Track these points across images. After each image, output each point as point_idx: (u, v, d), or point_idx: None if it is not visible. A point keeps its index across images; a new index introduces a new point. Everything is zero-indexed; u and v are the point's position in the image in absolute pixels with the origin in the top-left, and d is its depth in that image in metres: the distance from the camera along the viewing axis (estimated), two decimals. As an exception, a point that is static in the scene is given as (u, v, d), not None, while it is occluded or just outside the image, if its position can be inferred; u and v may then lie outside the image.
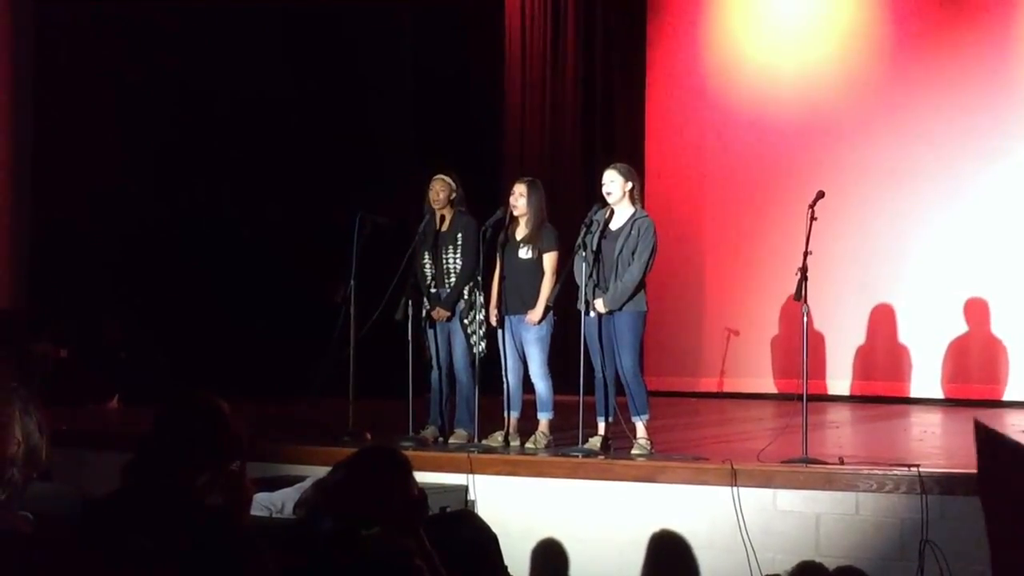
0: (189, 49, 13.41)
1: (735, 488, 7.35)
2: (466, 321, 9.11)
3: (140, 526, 3.42)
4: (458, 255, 9.15)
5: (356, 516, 4.20)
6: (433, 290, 9.23)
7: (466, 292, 9.13)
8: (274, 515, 6.77)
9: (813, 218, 7.95)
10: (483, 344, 9.04)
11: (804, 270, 7.87)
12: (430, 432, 9.23)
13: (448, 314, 9.14)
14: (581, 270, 8.50)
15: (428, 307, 9.22)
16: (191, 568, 3.36)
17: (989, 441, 5.37)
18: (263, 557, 3.48)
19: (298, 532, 4.38)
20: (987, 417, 11.69)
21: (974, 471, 7.41)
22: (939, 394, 13.32)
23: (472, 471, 8.13)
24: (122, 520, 3.46)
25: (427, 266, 9.25)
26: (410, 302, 9.14)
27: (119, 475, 3.64)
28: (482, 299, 9.06)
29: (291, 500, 6.92)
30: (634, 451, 8.37)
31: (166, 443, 3.63)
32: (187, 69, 13.37)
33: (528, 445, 8.85)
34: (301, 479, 7.51)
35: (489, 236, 8.98)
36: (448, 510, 7.45)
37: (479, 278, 9.05)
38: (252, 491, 3.77)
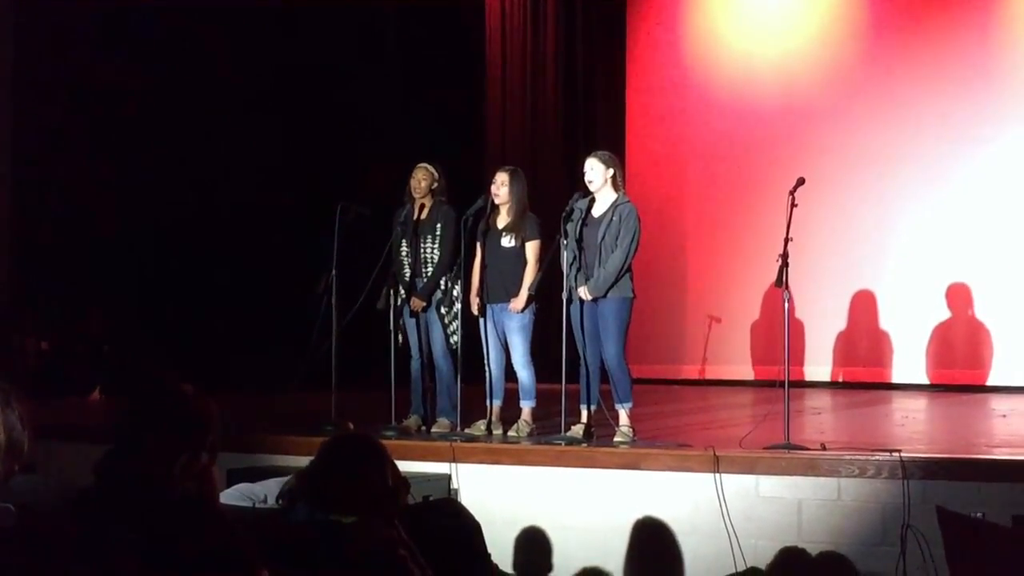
0: (173, 40, 13.36)
1: (717, 475, 7.37)
2: (443, 311, 9.11)
3: (120, 517, 3.41)
4: (436, 245, 9.13)
5: (330, 504, 4.20)
6: (411, 280, 9.22)
7: (443, 282, 9.13)
8: (256, 505, 6.77)
9: (794, 204, 7.96)
10: (458, 335, 9.04)
11: (785, 256, 7.87)
12: (413, 421, 9.23)
13: (424, 304, 9.14)
14: (564, 258, 8.51)
15: (404, 296, 9.22)
16: (172, 557, 3.36)
17: (950, 520, 5.48)
18: (244, 544, 3.48)
19: (276, 521, 4.38)
20: (971, 402, 11.84)
21: (956, 456, 7.49)
22: (922, 379, 13.38)
23: (455, 460, 8.13)
24: (103, 511, 3.46)
25: (405, 256, 9.24)
26: (391, 292, 9.14)
27: (94, 468, 3.64)
28: (458, 289, 9.06)
29: (274, 492, 6.92)
30: (617, 439, 8.38)
31: (137, 433, 3.63)
32: (170, 60, 13.32)
33: (511, 433, 8.86)
34: (283, 469, 7.51)
35: (470, 225, 8.98)
36: (431, 499, 7.45)
37: (458, 267, 9.05)
38: (218, 477, 3.78)
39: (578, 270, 8.53)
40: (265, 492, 6.94)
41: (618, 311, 8.51)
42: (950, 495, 6.87)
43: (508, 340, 9.02)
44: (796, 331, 12.68)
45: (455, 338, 9.05)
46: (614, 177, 8.62)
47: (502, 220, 9.04)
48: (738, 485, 7.38)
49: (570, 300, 8.50)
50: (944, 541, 5.99)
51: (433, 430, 9.10)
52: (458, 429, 8.89)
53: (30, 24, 13.04)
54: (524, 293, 8.85)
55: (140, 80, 13.18)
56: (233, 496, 6.69)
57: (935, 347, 13.39)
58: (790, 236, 7.89)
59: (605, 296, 8.47)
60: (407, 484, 4.72)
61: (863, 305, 13.72)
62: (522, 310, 8.89)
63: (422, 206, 9.23)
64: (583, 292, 8.47)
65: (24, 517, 3.57)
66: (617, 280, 8.45)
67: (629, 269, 8.52)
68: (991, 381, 13.10)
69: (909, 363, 13.50)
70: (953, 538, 5.84)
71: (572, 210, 8.58)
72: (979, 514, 6.58)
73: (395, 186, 9.72)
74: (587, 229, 8.55)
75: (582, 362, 8.61)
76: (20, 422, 3.51)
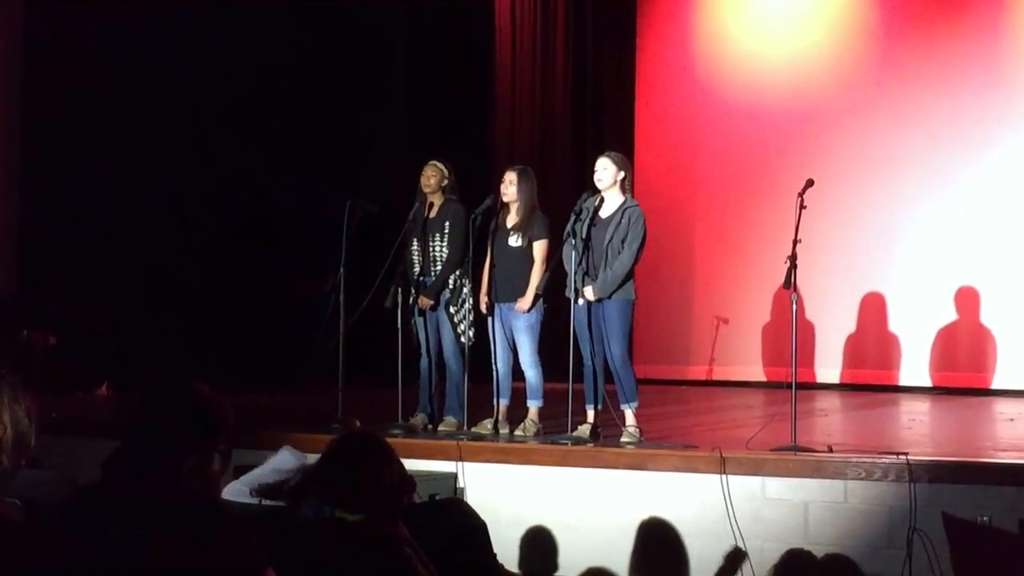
0: (179, 39, 13.36)
1: (724, 476, 7.36)
2: (452, 309, 9.10)
3: (126, 514, 3.41)
4: (445, 243, 9.13)
5: (336, 502, 4.20)
6: (420, 278, 9.22)
7: (452, 280, 9.12)
8: (252, 494, 6.78)
9: (802, 206, 7.95)
10: (471, 332, 9.04)
11: (793, 258, 7.87)
12: (419, 420, 9.23)
13: (432, 302, 9.13)
14: (571, 258, 8.51)
15: (415, 295, 9.22)
16: (177, 555, 3.36)
17: (957, 526, 5.49)
18: (249, 542, 3.48)
19: (282, 519, 4.38)
20: (977, 405, 11.82)
21: (963, 459, 7.48)
22: (928, 382, 13.36)
23: (461, 459, 8.12)
24: (108, 508, 3.46)
25: (415, 253, 9.25)
26: (399, 290, 9.13)
27: (103, 465, 3.63)
28: (469, 287, 9.06)
29: (264, 476, 6.93)
30: (623, 439, 8.38)
31: (150, 432, 3.62)
32: (177, 58, 13.33)
33: (517, 433, 8.86)
34: (290, 468, 7.51)
35: (479, 224, 8.97)
36: (437, 497, 7.45)
37: (467, 266, 9.04)
38: (221, 473, 3.77)
39: (584, 271, 8.52)
40: (252, 480, 6.96)
41: (621, 312, 8.51)
42: (957, 498, 6.86)
43: (515, 339, 9.02)
44: (804, 333, 12.68)
45: (466, 336, 9.04)
46: (624, 180, 8.61)
47: (511, 219, 9.04)
48: (744, 486, 7.37)
49: (576, 300, 8.49)
50: (950, 547, 6.00)
51: (440, 429, 9.09)
52: (465, 428, 8.89)
53: (38, 29, 13.05)
54: (531, 292, 8.85)
55: (148, 77, 13.18)
56: (235, 491, 6.70)
57: (942, 350, 13.37)
58: (799, 238, 7.89)
59: (610, 297, 8.47)
60: (413, 483, 4.72)
61: (871, 307, 13.71)
62: (529, 310, 8.88)
63: (432, 204, 9.24)
64: (588, 292, 8.47)
65: (30, 511, 3.57)
66: (623, 283, 8.45)
67: (632, 272, 8.52)
68: (997, 384, 13.08)
69: (916, 365, 13.49)
70: (959, 544, 5.84)
71: (580, 210, 8.58)
72: (985, 518, 6.57)
73: (404, 184, 9.72)
74: (595, 230, 8.55)
75: (587, 362, 8.61)
76: (27, 416, 3.51)
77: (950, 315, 13.29)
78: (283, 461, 7.33)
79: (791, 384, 7.93)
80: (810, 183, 8.07)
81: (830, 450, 7.59)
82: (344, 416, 9.06)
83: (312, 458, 5.43)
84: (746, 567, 7.21)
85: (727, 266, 14.49)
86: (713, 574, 7.31)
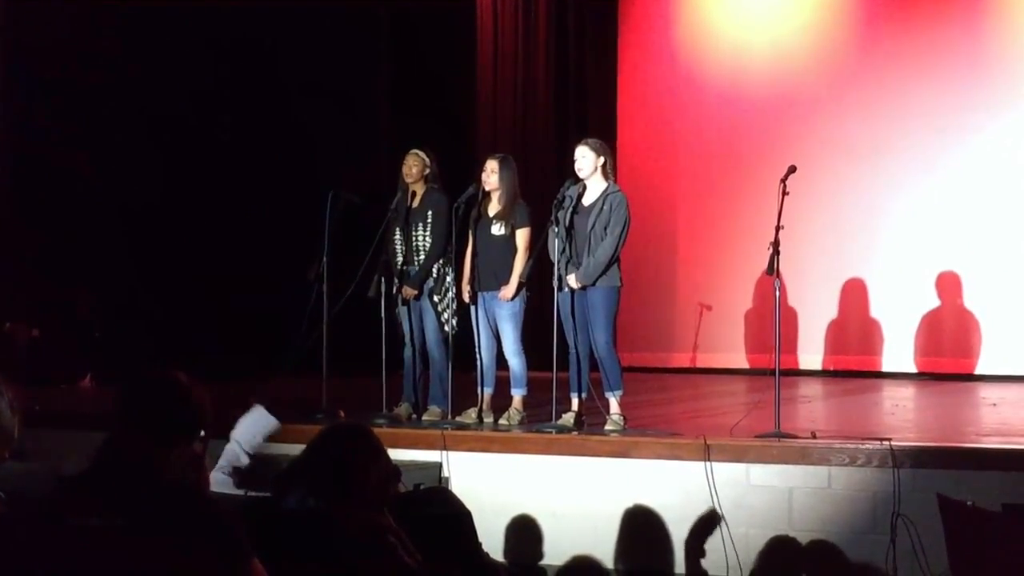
0: (170, 32, 13.32)
1: (708, 463, 7.37)
2: (436, 298, 9.09)
3: (111, 503, 3.41)
4: (428, 232, 9.11)
5: (321, 492, 4.21)
6: (404, 267, 9.20)
7: (435, 270, 9.10)
8: (235, 484, 6.80)
9: (785, 192, 7.96)
10: (454, 321, 9.03)
11: (776, 244, 7.87)
12: (404, 409, 9.22)
13: (416, 292, 9.11)
14: (554, 246, 8.50)
15: (398, 284, 9.20)
16: (163, 544, 3.35)
17: (950, 507, 5.50)
18: (234, 531, 3.47)
19: (267, 509, 4.38)
20: (960, 391, 11.84)
21: (946, 444, 7.49)
22: (911, 368, 13.39)
23: (446, 448, 8.13)
24: (93, 498, 3.45)
25: (398, 243, 9.22)
26: (383, 279, 9.12)
27: (93, 457, 3.63)
28: (453, 276, 9.04)
29: (229, 454, 6.94)
30: (607, 427, 8.38)
31: (132, 422, 3.62)
32: (165, 49, 13.28)
33: (502, 421, 8.86)
34: (271, 456, 7.51)
35: (461, 212, 8.96)
36: (422, 487, 7.45)
37: (450, 255, 9.03)
38: (210, 464, 3.77)
39: (568, 259, 8.51)
40: (227, 459, 6.97)
41: (606, 299, 8.50)
42: (940, 484, 6.87)
43: (499, 328, 9.02)
44: (787, 319, 12.69)
45: (449, 325, 9.03)
46: (604, 165, 8.60)
47: (492, 208, 9.03)
48: (728, 473, 7.39)
49: (560, 288, 8.49)
50: (944, 527, 6.02)
51: (424, 418, 9.09)
52: (449, 417, 8.88)
53: (16, 21, 13.00)
54: (514, 281, 8.85)
55: (130, 66, 13.13)
56: (220, 482, 6.71)
57: (925, 335, 13.41)
58: (781, 224, 7.89)
59: (594, 284, 8.46)
60: (398, 472, 4.73)
61: (853, 294, 13.73)
62: (512, 298, 8.88)
63: (414, 193, 9.22)
64: (572, 280, 8.47)
65: (14, 503, 3.56)
66: (606, 269, 8.45)
67: (617, 258, 8.51)
68: (980, 370, 13.12)
69: (899, 351, 13.52)
70: (953, 525, 5.87)
71: (563, 198, 8.57)
72: (969, 503, 6.59)
73: (387, 174, 9.70)
74: (577, 217, 8.54)
75: (572, 350, 8.60)
76: (10, 408, 3.50)
77: (933, 301, 13.32)
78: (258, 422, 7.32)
79: (774, 371, 7.95)
80: (792, 169, 8.07)
81: (814, 436, 7.61)
82: (328, 406, 9.06)
83: (294, 449, 5.43)
84: (731, 553, 7.23)
85: (710, 253, 14.50)
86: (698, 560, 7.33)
